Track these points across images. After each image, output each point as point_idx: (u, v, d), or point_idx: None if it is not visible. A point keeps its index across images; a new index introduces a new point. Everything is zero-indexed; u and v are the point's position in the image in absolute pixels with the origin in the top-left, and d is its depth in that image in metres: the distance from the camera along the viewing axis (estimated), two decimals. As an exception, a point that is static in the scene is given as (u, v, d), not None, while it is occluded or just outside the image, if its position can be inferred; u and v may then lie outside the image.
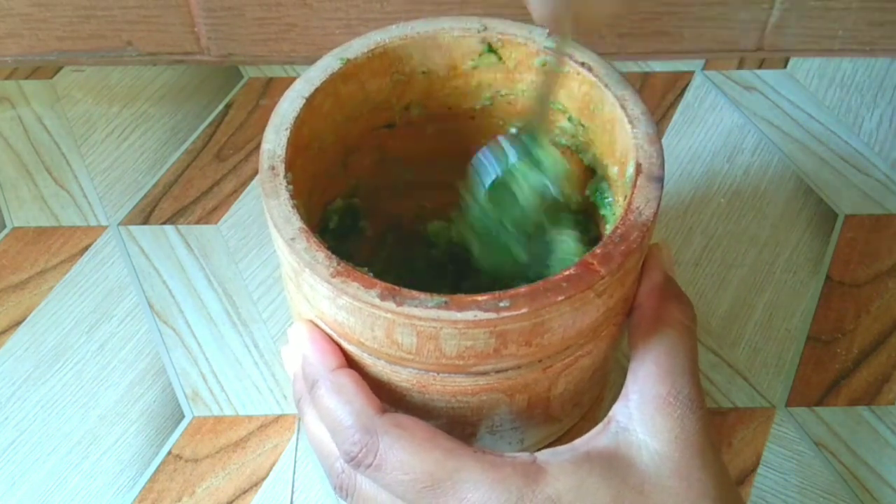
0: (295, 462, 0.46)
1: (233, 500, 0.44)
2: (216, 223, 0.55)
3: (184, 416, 0.47)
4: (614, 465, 0.31)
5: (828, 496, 0.44)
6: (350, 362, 0.34)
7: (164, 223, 0.55)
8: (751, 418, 0.47)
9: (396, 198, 0.44)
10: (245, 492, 0.45)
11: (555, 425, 0.39)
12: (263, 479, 0.45)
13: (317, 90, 0.36)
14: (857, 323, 0.50)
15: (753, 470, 0.45)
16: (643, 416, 0.32)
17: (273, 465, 0.45)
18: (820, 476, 0.45)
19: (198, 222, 0.55)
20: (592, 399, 0.40)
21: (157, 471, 0.45)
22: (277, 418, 0.47)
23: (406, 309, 0.30)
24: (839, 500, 0.44)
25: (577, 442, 0.33)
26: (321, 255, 0.31)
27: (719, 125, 0.60)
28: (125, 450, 0.46)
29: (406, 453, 0.31)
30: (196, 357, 0.49)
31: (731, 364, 0.49)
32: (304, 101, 0.35)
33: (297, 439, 0.46)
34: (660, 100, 0.61)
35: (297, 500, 0.44)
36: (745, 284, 0.52)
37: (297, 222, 0.32)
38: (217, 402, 0.48)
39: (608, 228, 0.37)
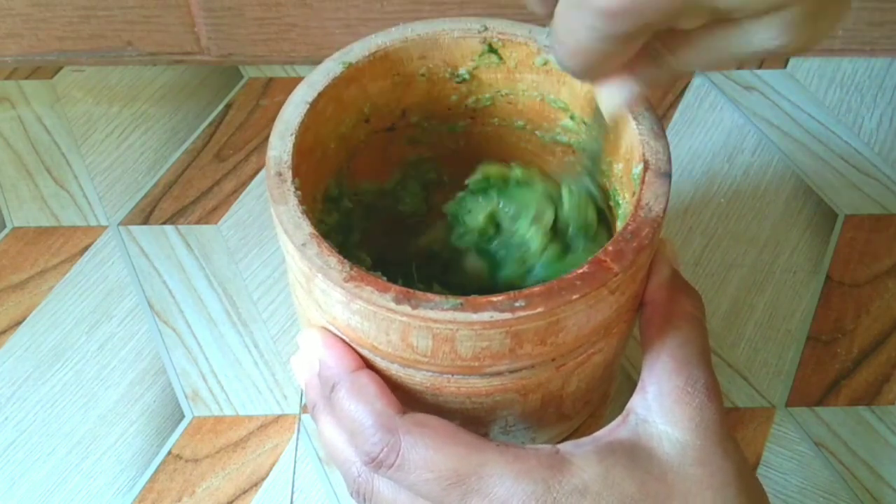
0: (295, 462, 0.46)
1: (233, 500, 0.44)
2: (216, 223, 0.55)
3: (184, 416, 0.47)
4: (637, 455, 0.31)
5: (828, 496, 0.44)
6: None
7: (164, 223, 0.55)
8: (751, 418, 0.47)
9: (396, 199, 0.44)
10: (245, 492, 0.45)
11: (566, 423, 0.39)
12: (263, 479, 0.45)
13: (320, 95, 0.36)
14: (857, 323, 0.50)
15: (753, 470, 0.45)
16: (662, 408, 0.32)
17: (273, 465, 0.45)
18: (820, 476, 0.45)
19: (198, 222, 0.55)
20: (601, 396, 0.41)
21: (157, 471, 0.45)
22: (277, 418, 0.47)
23: (422, 312, 0.30)
24: (839, 500, 0.44)
25: (598, 434, 0.33)
26: (333, 259, 0.31)
27: (719, 125, 0.60)
28: (125, 450, 0.46)
29: (430, 450, 0.30)
30: (196, 357, 0.49)
31: (731, 364, 0.49)
32: (308, 105, 0.35)
33: (297, 439, 0.46)
34: (660, 100, 0.61)
35: (297, 500, 0.44)
36: (745, 284, 0.52)
37: (307, 228, 0.32)
38: (217, 402, 0.48)
39: (618, 226, 0.37)
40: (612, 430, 0.33)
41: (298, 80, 0.36)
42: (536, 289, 0.30)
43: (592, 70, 0.29)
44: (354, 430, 0.32)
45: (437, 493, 0.30)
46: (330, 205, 0.39)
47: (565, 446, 0.32)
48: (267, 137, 0.34)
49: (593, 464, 0.31)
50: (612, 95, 0.31)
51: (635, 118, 0.34)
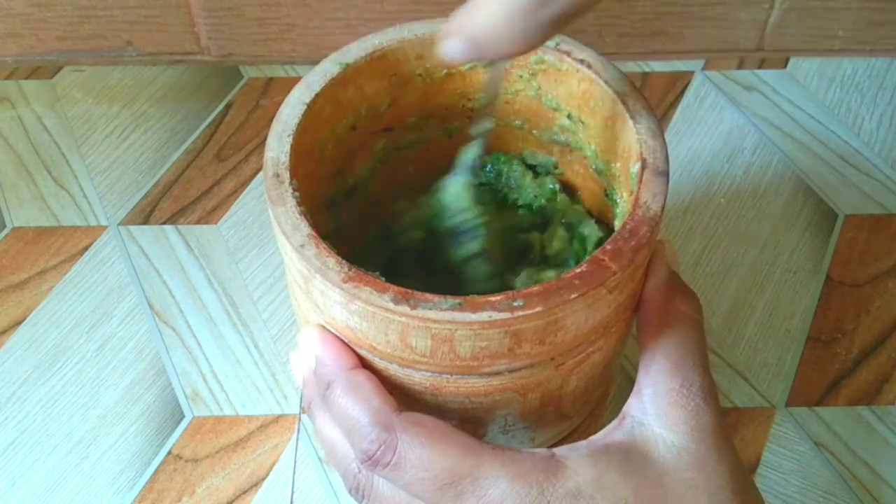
0: (295, 462, 0.46)
1: (233, 500, 0.44)
2: (216, 223, 0.55)
3: (184, 416, 0.47)
4: (632, 458, 0.31)
5: (828, 496, 0.44)
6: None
7: (164, 223, 0.55)
8: (751, 418, 0.47)
9: (394, 199, 0.44)
10: (245, 492, 0.45)
11: (565, 423, 0.39)
12: (263, 479, 0.45)
13: (317, 95, 0.36)
14: (857, 323, 0.50)
15: (753, 470, 0.45)
16: (657, 410, 0.32)
17: (273, 465, 0.45)
18: (820, 476, 0.45)
19: (198, 222, 0.55)
20: (601, 395, 0.41)
21: (157, 471, 0.45)
22: (277, 418, 0.47)
23: (420, 312, 0.30)
24: (839, 500, 0.44)
25: (594, 437, 0.33)
26: (332, 260, 0.31)
27: (719, 125, 0.60)
28: (125, 450, 0.46)
29: (426, 450, 0.30)
30: (196, 357, 0.49)
31: (731, 364, 0.49)
32: (306, 107, 0.35)
33: (297, 439, 0.46)
34: (660, 100, 0.61)
35: (297, 500, 0.44)
36: (745, 284, 0.52)
37: (305, 229, 0.32)
38: (217, 402, 0.48)
39: (616, 225, 0.37)
40: (608, 434, 0.33)
41: (298, 80, 0.36)
42: (535, 288, 0.30)
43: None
44: (351, 428, 0.32)
45: (431, 493, 0.30)
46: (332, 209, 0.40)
47: (560, 450, 0.32)
48: (266, 138, 0.35)
49: (587, 467, 0.31)
50: None
51: (633, 117, 0.34)
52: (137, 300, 0.51)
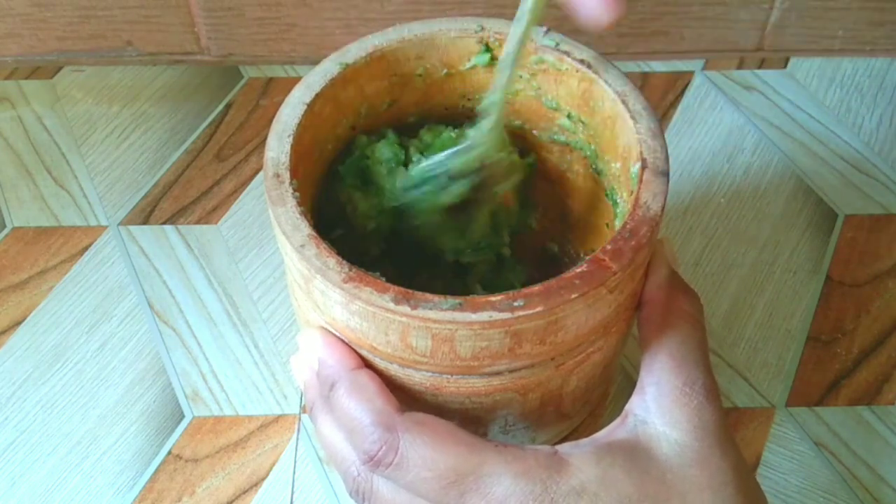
0: (295, 462, 0.46)
1: (233, 500, 0.44)
2: (216, 223, 0.55)
3: (184, 416, 0.47)
4: (636, 456, 0.31)
5: (828, 496, 0.44)
6: None
7: (164, 223, 0.55)
8: (751, 418, 0.47)
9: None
10: (245, 492, 0.45)
11: (565, 422, 0.39)
12: (263, 479, 0.45)
13: (317, 96, 0.36)
14: (857, 323, 0.50)
15: (753, 470, 0.45)
16: (661, 408, 0.32)
17: (273, 465, 0.45)
18: (820, 476, 0.45)
19: (198, 222, 0.55)
20: (601, 395, 0.41)
21: (157, 471, 0.45)
22: (277, 418, 0.47)
23: (421, 312, 0.30)
24: (839, 500, 0.44)
25: (597, 435, 0.33)
26: (332, 260, 0.31)
27: (719, 125, 0.60)
28: (125, 450, 0.46)
29: (428, 449, 0.30)
30: (196, 357, 0.49)
31: (731, 364, 0.49)
32: (306, 107, 0.35)
33: (297, 439, 0.46)
34: (660, 100, 0.61)
35: (297, 500, 0.44)
36: (745, 284, 0.52)
37: (305, 229, 0.32)
38: (217, 402, 0.48)
39: (616, 225, 0.37)
40: (611, 431, 0.33)
41: (298, 80, 0.36)
42: (535, 288, 0.30)
43: None
44: (353, 429, 0.32)
45: (435, 492, 0.30)
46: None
47: (564, 447, 0.32)
48: (266, 138, 0.35)
49: (591, 464, 0.31)
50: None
51: (633, 117, 0.34)
52: (137, 300, 0.51)
